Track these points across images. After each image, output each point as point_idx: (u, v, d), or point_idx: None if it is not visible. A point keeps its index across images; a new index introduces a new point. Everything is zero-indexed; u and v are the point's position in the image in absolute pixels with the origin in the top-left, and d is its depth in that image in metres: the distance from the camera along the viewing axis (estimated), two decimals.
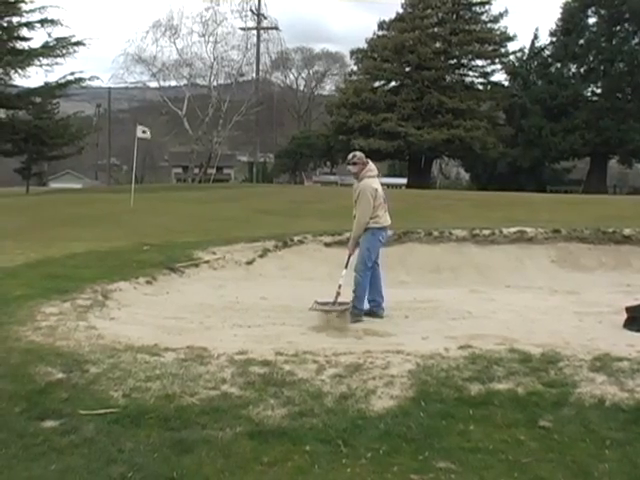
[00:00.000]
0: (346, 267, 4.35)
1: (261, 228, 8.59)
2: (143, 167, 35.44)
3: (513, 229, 7.55)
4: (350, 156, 4.34)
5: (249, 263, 6.81)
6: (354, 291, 4.36)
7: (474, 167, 28.92)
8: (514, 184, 22.24)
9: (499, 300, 5.36)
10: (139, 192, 13.86)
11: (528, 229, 7.54)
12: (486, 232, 7.55)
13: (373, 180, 4.31)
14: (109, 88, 29.35)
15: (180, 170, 36.66)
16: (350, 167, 4.32)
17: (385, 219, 4.45)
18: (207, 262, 6.42)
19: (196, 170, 27.08)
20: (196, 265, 6.28)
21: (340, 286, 4.24)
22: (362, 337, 3.95)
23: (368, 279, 4.41)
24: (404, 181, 31.02)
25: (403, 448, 2.31)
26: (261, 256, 6.98)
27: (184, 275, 6.02)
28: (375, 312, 4.54)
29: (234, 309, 4.92)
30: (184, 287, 5.69)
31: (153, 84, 23.86)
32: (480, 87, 27.03)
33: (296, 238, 7.53)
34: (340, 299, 4.21)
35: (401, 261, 7.26)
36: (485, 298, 5.51)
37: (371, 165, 4.37)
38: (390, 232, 4.59)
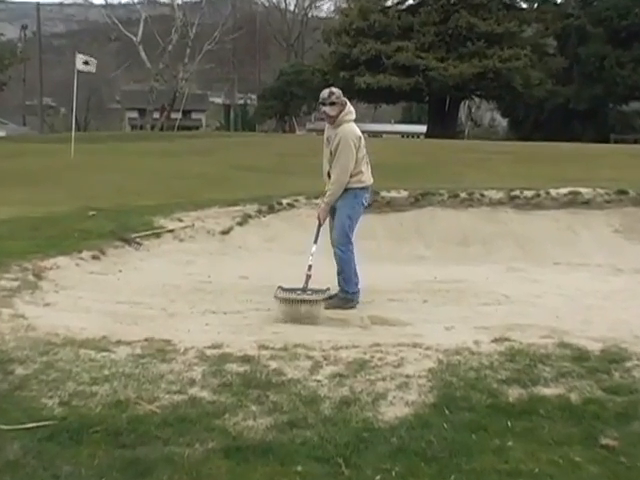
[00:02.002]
0: (316, 242, 4.33)
1: (240, 188, 8.57)
2: (87, 110, 33.72)
3: (564, 190, 7.46)
4: (326, 93, 4.16)
5: (225, 233, 6.85)
6: (339, 272, 4.37)
7: (514, 110, 27.58)
8: (566, 132, 21.20)
9: (545, 281, 5.36)
10: (82, 142, 13.65)
11: (584, 190, 7.46)
12: (529, 194, 7.50)
13: (354, 126, 4.25)
14: (37, 3, 27.85)
15: (135, 114, 35.44)
16: (326, 108, 4.15)
17: (369, 176, 4.43)
18: (171, 232, 6.47)
19: (156, 114, 26.55)
20: (157, 235, 6.34)
21: (310, 267, 4.21)
22: (368, 327, 3.98)
23: (353, 254, 4.42)
24: (423, 129, 30.40)
25: (422, 469, 2.25)
26: (240, 224, 7.02)
27: (142, 248, 6.06)
28: None
29: (206, 291, 4.95)
30: (142, 264, 5.72)
31: (98, 0, 22.57)
32: (524, 5, 25.94)
33: (285, 201, 7.56)
34: (313, 286, 4.21)
35: (418, 230, 7.35)
36: (526, 278, 5.53)
37: (350, 106, 4.27)
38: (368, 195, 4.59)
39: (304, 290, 4.10)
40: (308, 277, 4.15)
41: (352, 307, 4.29)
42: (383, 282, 5.44)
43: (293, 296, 4.00)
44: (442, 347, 3.26)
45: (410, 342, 3.35)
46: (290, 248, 6.11)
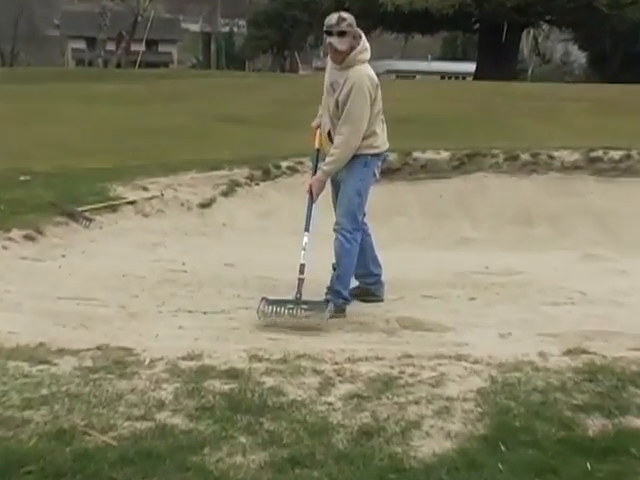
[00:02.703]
0: (307, 229, 4.32)
1: (226, 147, 8.61)
2: (14, 38, 33.26)
3: None
4: (334, 19, 4.03)
5: (205, 206, 6.90)
6: (336, 266, 4.37)
7: (596, 41, 27.15)
8: None
9: (636, 273, 5.36)
10: (9, 81, 13.62)
11: None
12: (615, 155, 7.47)
13: (369, 68, 4.16)
14: None
15: (82, 45, 34.48)
16: (333, 40, 4.01)
17: (384, 140, 4.40)
18: (133, 204, 6.49)
19: (111, 46, 26.12)
20: (114, 209, 6.34)
21: (303, 267, 4.20)
22: (396, 332, 4.02)
23: (358, 244, 4.42)
24: (471, 68, 30.01)
25: None
26: (226, 194, 7.09)
27: (93, 226, 6.06)
28: (372, 291, 4.66)
29: (179, 284, 5.00)
30: (93, 247, 5.74)
31: None
32: None
33: (284, 164, 7.57)
34: (308, 294, 4.29)
35: (463, 205, 7.44)
36: (610, 269, 5.53)
37: (365, 42, 4.15)
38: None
39: (297, 303, 4.10)
40: (300, 282, 4.14)
41: (338, 316, 4.28)
42: (416, 273, 5.50)
43: (281, 320, 4.03)
44: (495, 360, 3.29)
45: (452, 353, 3.37)
46: (291, 227, 6.08)
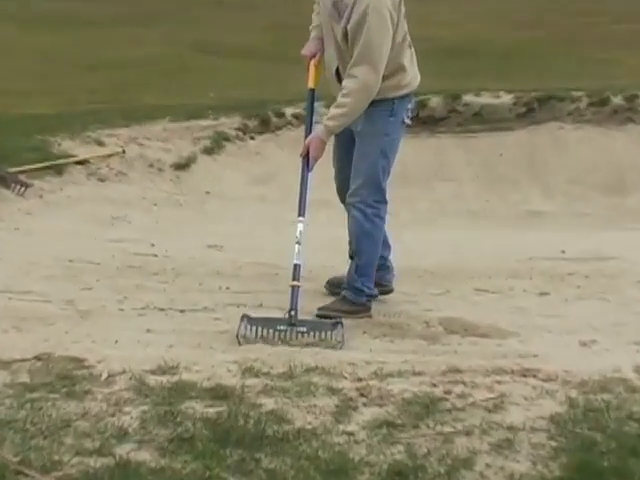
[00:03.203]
0: (302, 215, 4.18)
1: (209, 87, 8.57)
2: None
3: None
4: None
5: (182, 167, 7.05)
6: (354, 254, 4.37)
7: None
8: None
9: None
10: None
11: None
12: None
13: None
14: None
15: None
16: None
17: (414, 74, 4.32)
18: (84, 164, 6.59)
19: None
20: (58, 171, 6.42)
21: (298, 269, 4.03)
22: (440, 337, 4.04)
23: (384, 222, 4.33)
24: None
25: None
26: (210, 151, 7.23)
27: (30, 194, 6.12)
28: (377, 279, 4.50)
29: (148, 272, 5.06)
30: (30, 222, 5.79)
31: None
32: None
33: (288, 111, 7.66)
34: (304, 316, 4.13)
35: (532, 166, 7.52)
36: None
37: None
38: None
39: (291, 323, 3.95)
40: (295, 291, 4.01)
41: (363, 317, 4.24)
42: (467, 258, 5.52)
43: (271, 331, 3.85)
44: (575, 377, 3.29)
45: (516, 367, 3.37)
46: (295, 196, 6.10)
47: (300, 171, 4.29)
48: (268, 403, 3.02)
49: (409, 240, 5.48)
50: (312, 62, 4.36)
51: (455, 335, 4.05)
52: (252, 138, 7.35)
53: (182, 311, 4.32)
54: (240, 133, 7.32)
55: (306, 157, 4.24)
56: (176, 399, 3.02)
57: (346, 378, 3.24)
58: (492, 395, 3.11)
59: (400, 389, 3.15)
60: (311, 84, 4.38)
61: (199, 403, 3.00)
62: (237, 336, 3.86)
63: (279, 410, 2.97)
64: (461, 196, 7.04)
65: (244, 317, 3.96)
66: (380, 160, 4.28)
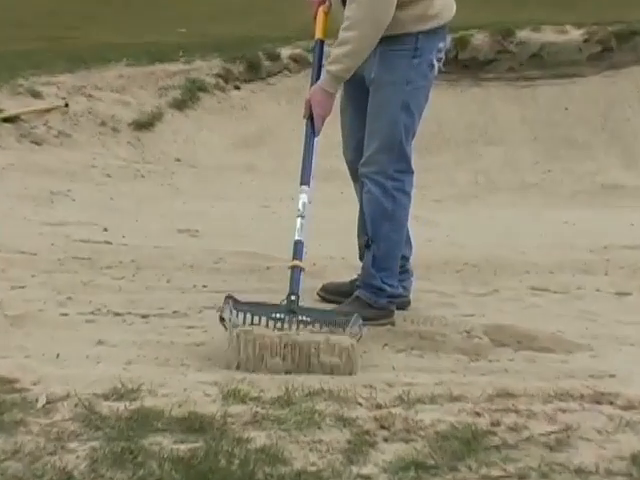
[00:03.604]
0: (307, 183, 4.13)
1: (180, 20, 8.50)
2: None
3: None
4: None
5: (145, 126, 7.18)
6: (370, 242, 4.35)
7: None
8: None
9: None
10: None
11: None
12: None
13: None
14: None
15: None
16: None
17: (447, 1, 4.35)
18: (14, 121, 6.68)
19: None
20: None
21: (300, 247, 3.99)
22: (484, 351, 4.05)
23: (411, 199, 4.27)
24: None
25: None
26: (180, 105, 7.36)
27: None
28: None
29: (99, 265, 5.09)
30: None
31: None
32: None
33: (284, 52, 7.78)
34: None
35: (607, 126, 7.64)
36: None
37: None
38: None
39: (292, 311, 3.92)
40: (296, 273, 3.98)
41: (384, 324, 4.22)
42: (520, 247, 5.53)
43: (269, 334, 3.83)
44: None
45: (585, 391, 3.37)
46: (298, 164, 6.09)
47: (303, 135, 4.27)
48: (258, 438, 2.99)
49: (444, 223, 5.47)
50: (321, 9, 4.40)
51: (505, 348, 4.05)
52: (237, 88, 7.32)
53: (145, 316, 4.32)
54: (221, 81, 7.28)
55: (310, 118, 4.27)
56: (137, 433, 2.99)
57: (361, 405, 3.23)
58: (554, 428, 3.09)
59: (433, 420, 3.13)
60: (319, 34, 4.35)
61: (167, 438, 2.98)
62: (220, 320, 3.88)
63: (273, 447, 2.94)
64: (514, 165, 7.01)
65: (229, 299, 3.96)
66: (402, 116, 4.29)
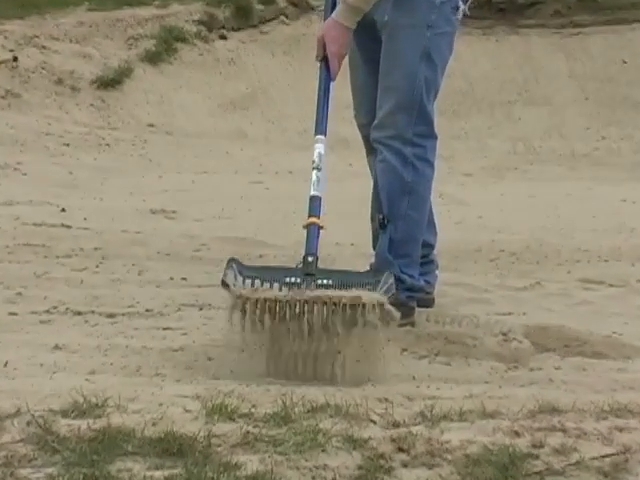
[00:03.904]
0: (323, 133, 4.12)
1: None
2: None
3: None
4: None
5: (111, 84, 7.21)
6: (387, 220, 4.40)
7: None
8: None
9: None
10: None
11: None
12: None
13: None
14: None
15: None
16: None
17: None
18: None
19: None
20: None
21: (317, 202, 4.01)
22: (524, 357, 4.04)
23: (434, 170, 4.34)
24: None
25: None
26: (153, 59, 7.44)
27: None
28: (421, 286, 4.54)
29: (55, 253, 5.11)
30: None
31: None
32: None
33: None
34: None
35: None
36: None
37: None
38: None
39: (309, 272, 3.94)
40: (313, 231, 4.00)
41: (403, 324, 4.21)
42: (568, 232, 5.54)
43: (282, 294, 3.84)
44: None
45: None
46: (298, 128, 6.09)
47: (317, 80, 4.29)
48: (250, 463, 2.98)
49: (475, 201, 5.48)
50: None
51: (550, 354, 4.05)
52: (222, 37, 7.30)
53: (111, 316, 4.34)
54: (203, 29, 7.27)
55: (325, 59, 4.31)
56: (102, 457, 2.98)
57: (375, 423, 3.24)
58: (610, 450, 3.09)
59: (462, 440, 3.13)
60: None
61: (139, 463, 2.98)
62: (222, 283, 3.89)
63: (267, 474, 2.93)
64: (560, 129, 7.01)
65: (232, 261, 3.98)
66: (421, 67, 4.34)
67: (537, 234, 5.35)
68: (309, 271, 3.97)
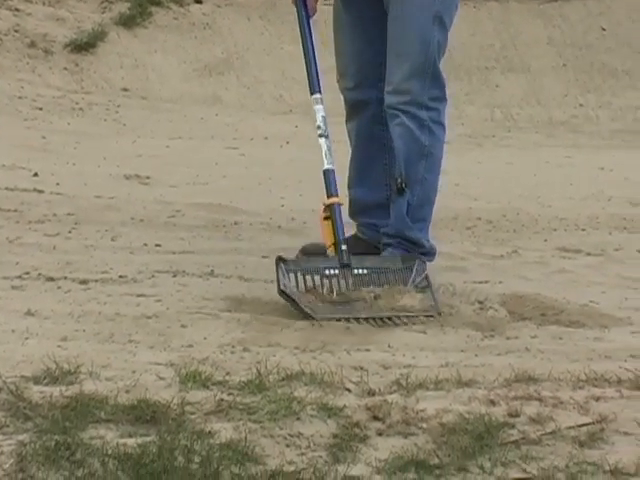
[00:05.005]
0: (318, 90, 4.30)
1: None
2: None
3: None
4: None
5: (85, 48, 7.09)
6: (405, 184, 4.39)
7: None
8: None
9: None
10: None
11: None
12: None
13: None
14: None
15: None
16: None
17: None
18: None
19: None
20: None
21: (331, 175, 4.21)
22: (501, 326, 4.03)
23: (445, 132, 4.52)
24: None
25: None
26: (127, 22, 7.28)
27: None
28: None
29: (25, 219, 5.07)
30: None
31: None
32: None
33: None
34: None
35: None
36: None
37: None
38: None
39: (343, 264, 4.12)
40: (336, 210, 4.02)
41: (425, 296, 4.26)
42: (545, 199, 5.54)
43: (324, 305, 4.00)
44: None
45: (626, 374, 3.39)
46: (275, 94, 6.07)
47: (299, 25, 4.35)
48: (224, 431, 3.01)
49: (452, 169, 5.45)
50: None
51: (527, 322, 4.06)
52: (198, 1, 7.23)
53: (84, 282, 4.32)
54: None
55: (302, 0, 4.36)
56: (75, 424, 2.99)
57: (350, 391, 3.25)
58: (586, 419, 3.11)
59: (437, 409, 3.15)
60: None
61: (112, 431, 2.99)
62: (280, 291, 3.99)
63: (241, 442, 2.95)
64: (538, 96, 7.00)
65: (279, 261, 4.09)
66: (435, 32, 4.36)
67: (514, 202, 5.34)
68: (345, 261, 4.07)
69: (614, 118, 6.95)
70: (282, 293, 4.01)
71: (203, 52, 7.03)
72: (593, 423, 3.11)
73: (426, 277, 4.07)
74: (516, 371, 3.39)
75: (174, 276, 4.37)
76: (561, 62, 7.36)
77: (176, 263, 4.52)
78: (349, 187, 4.56)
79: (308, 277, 4.04)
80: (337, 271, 4.05)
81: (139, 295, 4.22)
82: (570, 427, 3.10)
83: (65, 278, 4.36)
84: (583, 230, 5.10)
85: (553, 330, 4.00)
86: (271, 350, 3.64)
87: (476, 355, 3.66)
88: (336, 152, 4.37)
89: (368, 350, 3.69)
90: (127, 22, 7.07)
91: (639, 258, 4.82)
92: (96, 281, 4.35)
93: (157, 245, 4.79)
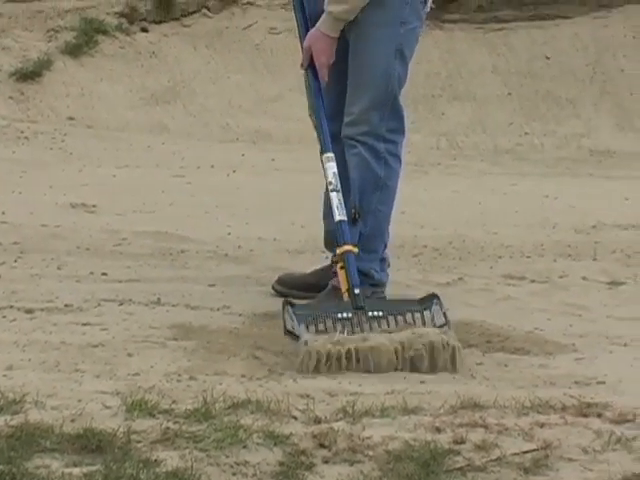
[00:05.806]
0: (328, 149, 4.39)
1: None
2: None
3: None
4: None
5: (28, 77, 6.98)
6: (358, 214, 4.38)
7: None
8: None
9: None
10: None
11: None
12: None
13: None
14: None
15: None
16: None
17: None
18: None
19: None
20: None
21: (344, 227, 4.21)
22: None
23: (401, 165, 4.56)
24: None
25: None
26: (74, 51, 7.20)
27: None
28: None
29: None
30: None
31: None
32: None
33: None
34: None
35: (597, 80, 7.56)
36: None
37: None
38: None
39: (357, 306, 4.09)
40: (350, 258, 4.02)
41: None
42: (491, 227, 5.55)
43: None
44: None
45: (569, 401, 3.41)
46: (220, 122, 6.08)
47: (309, 88, 4.40)
48: (170, 459, 2.99)
49: (398, 197, 5.47)
50: None
51: (472, 350, 4.07)
52: (144, 30, 7.24)
53: (29, 311, 4.30)
54: (124, 21, 7.20)
55: (310, 65, 4.37)
56: (19, 453, 2.96)
57: (296, 419, 3.25)
58: (531, 446, 3.13)
59: (383, 436, 3.15)
60: None
61: (57, 460, 2.97)
62: (286, 332, 3.98)
63: (187, 471, 2.94)
64: (483, 124, 7.04)
65: (287, 304, 4.07)
66: (396, 65, 4.39)
67: (460, 229, 5.37)
68: (359, 304, 4.02)
69: (559, 146, 7.00)
70: (288, 333, 4.00)
71: (149, 81, 7.01)
72: (538, 449, 3.13)
73: (445, 316, 4.04)
74: (461, 398, 3.40)
75: (120, 305, 4.35)
76: (506, 90, 7.41)
77: (122, 292, 4.51)
78: (323, 218, 4.58)
79: (321, 322, 4.02)
80: (350, 314, 4.03)
81: (85, 324, 4.20)
82: (515, 454, 3.12)
83: (11, 307, 4.33)
84: (528, 257, 5.13)
85: (498, 357, 4.02)
86: (217, 378, 3.63)
87: (422, 382, 3.66)
88: (310, 182, 4.39)
89: (314, 378, 3.68)
90: (73, 51, 7.04)
91: (583, 285, 4.85)
92: (42, 310, 4.32)
93: (103, 274, 4.77)
